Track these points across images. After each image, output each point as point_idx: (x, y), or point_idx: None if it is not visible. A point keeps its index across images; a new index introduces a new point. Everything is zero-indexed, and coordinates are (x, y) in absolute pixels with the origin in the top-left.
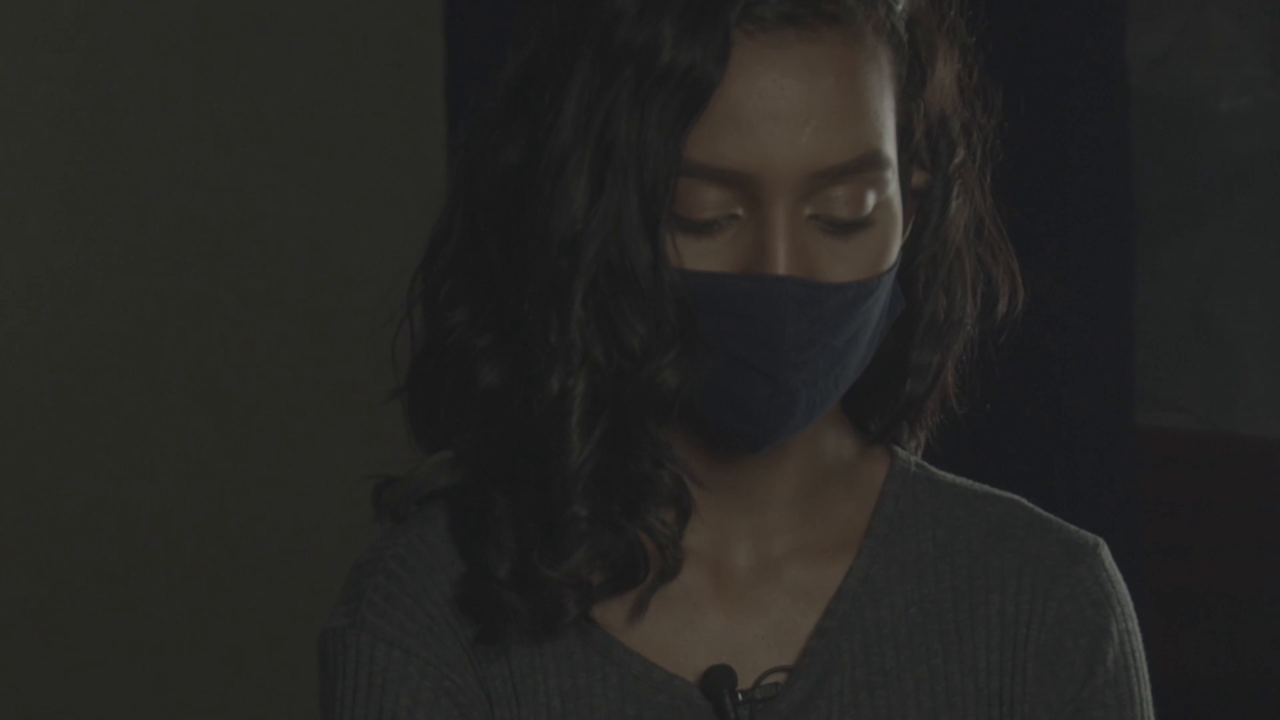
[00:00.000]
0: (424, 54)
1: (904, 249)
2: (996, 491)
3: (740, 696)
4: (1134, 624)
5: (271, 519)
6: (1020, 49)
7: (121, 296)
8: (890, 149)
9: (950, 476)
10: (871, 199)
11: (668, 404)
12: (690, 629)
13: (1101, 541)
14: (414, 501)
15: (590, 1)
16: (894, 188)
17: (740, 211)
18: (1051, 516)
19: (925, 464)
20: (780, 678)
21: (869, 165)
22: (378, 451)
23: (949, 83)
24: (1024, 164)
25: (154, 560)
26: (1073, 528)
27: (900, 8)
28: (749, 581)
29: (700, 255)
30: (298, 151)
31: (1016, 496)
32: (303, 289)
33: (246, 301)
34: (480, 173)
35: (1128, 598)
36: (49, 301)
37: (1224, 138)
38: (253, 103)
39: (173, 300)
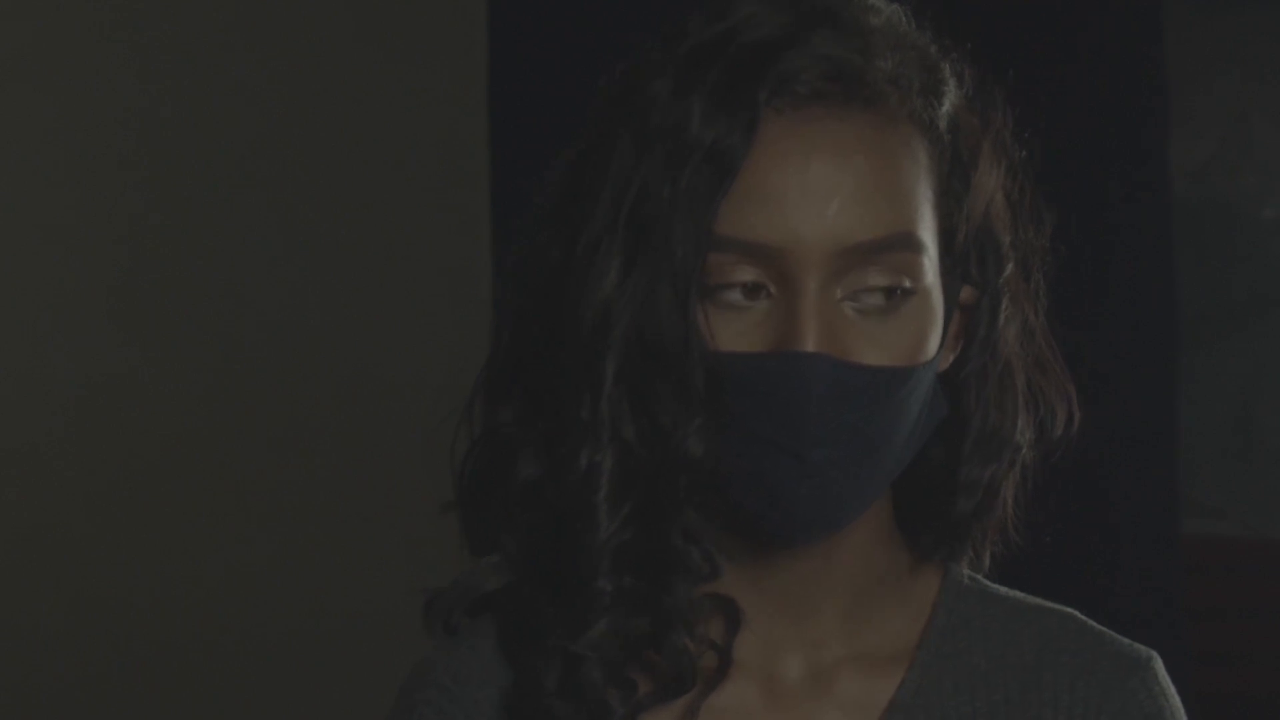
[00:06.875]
0: (469, 151)
1: (955, 363)
2: (1048, 604)
3: None
4: None
5: (321, 630)
6: (1063, 160)
7: (173, 402)
8: (926, 237)
9: (1003, 590)
10: (906, 283)
11: (692, 473)
12: None
13: (1155, 654)
14: (464, 611)
15: (629, 90)
16: (932, 280)
17: (772, 289)
18: (1104, 629)
19: (978, 577)
20: None
21: (901, 245)
22: (431, 564)
23: (998, 197)
24: (1066, 274)
25: (199, 674)
26: (1125, 641)
27: (944, 109)
28: (800, 694)
29: (733, 336)
30: (346, 267)
31: (1068, 609)
32: (355, 397)
33: (298, 411)
34: (529, 270)
35: (1181, 711)
36: (99, 408)
37: (1266, 246)
38: (301, 210)
39: (225, 408)
